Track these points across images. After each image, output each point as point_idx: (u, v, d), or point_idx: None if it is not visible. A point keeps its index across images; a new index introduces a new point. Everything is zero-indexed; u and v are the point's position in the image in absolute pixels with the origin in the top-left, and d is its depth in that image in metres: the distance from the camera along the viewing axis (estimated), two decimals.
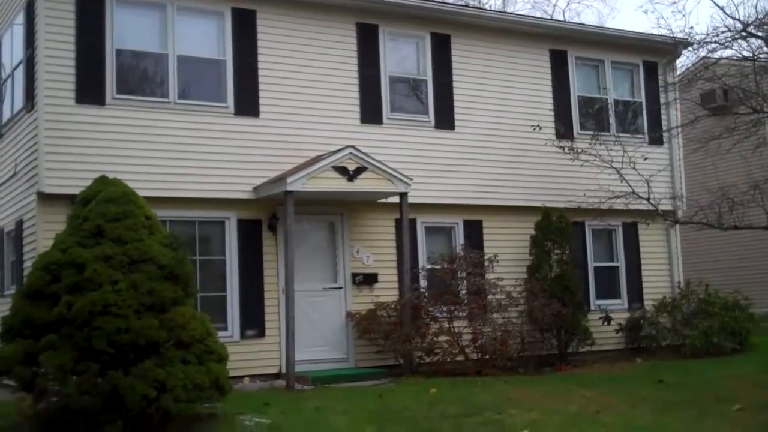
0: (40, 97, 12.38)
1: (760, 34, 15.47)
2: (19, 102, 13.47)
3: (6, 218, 14.19)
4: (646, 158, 16.39)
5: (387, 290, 14.44)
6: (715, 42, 15.74)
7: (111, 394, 8.37)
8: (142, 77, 13.40)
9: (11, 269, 13.97)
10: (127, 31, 13.08)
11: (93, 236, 8.99)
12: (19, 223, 13.28)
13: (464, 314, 14.19)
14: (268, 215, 13.84)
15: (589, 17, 50.41)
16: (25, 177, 12.98)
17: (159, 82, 13.34)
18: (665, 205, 16.80)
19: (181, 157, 13.11)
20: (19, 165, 13.30)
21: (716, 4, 23.25)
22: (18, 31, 13.75)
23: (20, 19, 13.60)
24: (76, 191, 10.11)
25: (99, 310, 8.40)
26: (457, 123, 15.53)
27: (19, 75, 13.54)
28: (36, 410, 8.82)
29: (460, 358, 13.97)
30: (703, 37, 16.11)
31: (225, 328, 13.12)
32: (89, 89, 12.64)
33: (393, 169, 13.76)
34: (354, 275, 14.44)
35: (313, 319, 14.00)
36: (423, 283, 14.66)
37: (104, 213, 9.08)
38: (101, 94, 12.72)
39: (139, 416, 8.40)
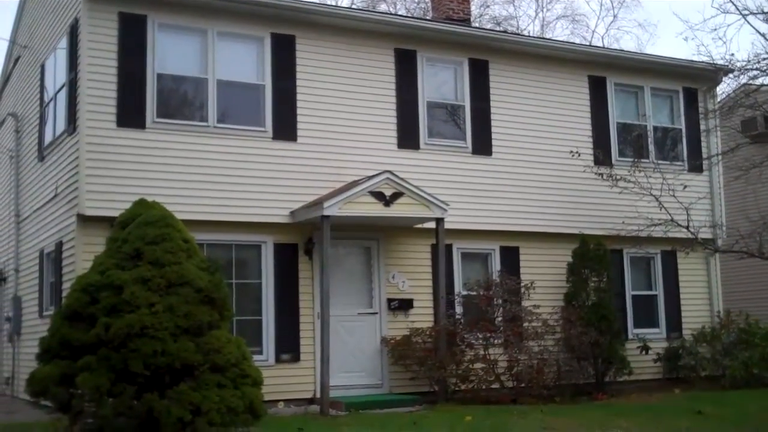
0: (82, 120, 12.54)
1: None
2: (61, 125, 13.65)
3: (46, 240, 14.35)
4: (686, 186, 16.22)
5: (422, 316, 14.38)
6: (756, 69, 15.62)
7: (146, 417, 8.41)
8: (182, 101, 13.53)
9: (50, 290, 14.11)
10: (168, 55, 13.23)
11: (131, 258, 9.06)
12: (59, 245, 13.43)
13: (500, 341, 14.09)
14: (305, 239, 13.87)
15: (628, 44, 50.17)
16: (65, 199, 13.12)
17: (198, 106, 13.46)
18: (705, 234, 16.60)
19: (219, 180, 13.18)
20: (60, 187, 13.46)
21: (757, 31, 23.06)
22: (61, 55, 13.96)
23: (63, 43, 13.81)
24: (115, 214, 10.22)
25: (136, 333, 8.46)
26: (494, 149, 15.48)
27: (62, 98, 13.73)
28: (72, 431, 8.87)
29: (495, 385, 13.86)
30: (744, 63, 15.98)
31: (260, 352, 13.14)
32: (130, 113, 12.78)
33: (429, 194, 13.74)
34: (389, 300, 14.40)
35: (348, 344, 13.97)
36: (459, 309, 14.60)
37: (143, 236, 9.15)
38: (142, 118, 12.86)
39: None
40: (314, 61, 14.18)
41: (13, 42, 18.30)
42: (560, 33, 37.81)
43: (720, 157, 17.52)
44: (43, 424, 9.86)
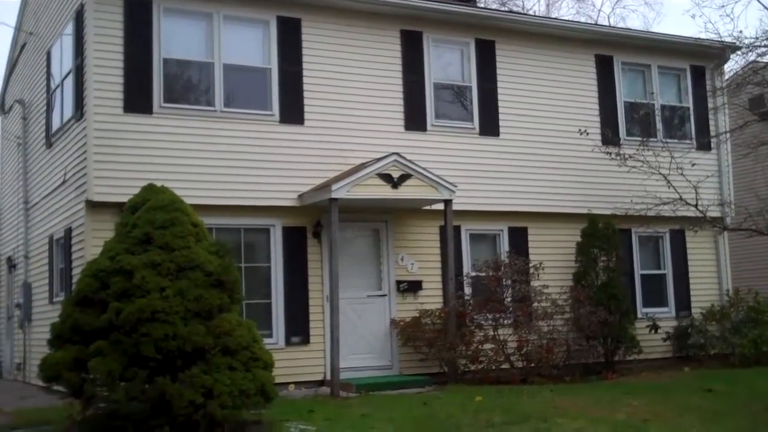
0: (89, 106, 12.55)
1: None
2: (69, 111, 13.67)
3: (55, 226, 14.40)
4: (694, 164, 16.18)
5: (431, 298, 14.41)
6: (765, 46, 15.56)
7: (158, 401, 8.45)
8: (188, 86, 13.52)
9: (60, 276, 14.17)
10: (173, 40, 13.22)
11: (141, 243, 9.08)
12: (68, 231, 13.47)
13: (509, 322, 14.12)
14: (313, 222, 13.89)
15: (634, 22, 49.87)
16: (74, 185, 13.16)
17: (205, 91, 13.45)
18: (713, 212, 16.55)
19: (227, 164, 13.19)
20: (68, 173, 13.49)
21: (765, 7, 22.92)
22: (67, 41, 13.96)
23: (69, 29, 13.81)
24: (124, 199, 10.22)
25: (147, 317, 8.49)
26: (501, 129, 15.46)
27: (69, 84, 13.74)
28: (84, 416, 8.92)
29: (505, 366, 13.90)
30: (752, 41, 15.91)
31: (270, 335, 13.19)
32: (137, 98, 12.78)
33: (437, 176, 13.74)
34: (398, 282, 14.42)
35: (357, 326, 14.02)
36: (468, 290, 14.62)
37: (152, 220, 9.16)
38: (149, 103, 12.86)
39: (186, 422, 8.45)
40: (320, 44, 14.15)
41: (18, 29, 18.29)
42: (566, 12, 37.65)
43: (728, 135, 17.46)
44: (57, 409, 9.91)
